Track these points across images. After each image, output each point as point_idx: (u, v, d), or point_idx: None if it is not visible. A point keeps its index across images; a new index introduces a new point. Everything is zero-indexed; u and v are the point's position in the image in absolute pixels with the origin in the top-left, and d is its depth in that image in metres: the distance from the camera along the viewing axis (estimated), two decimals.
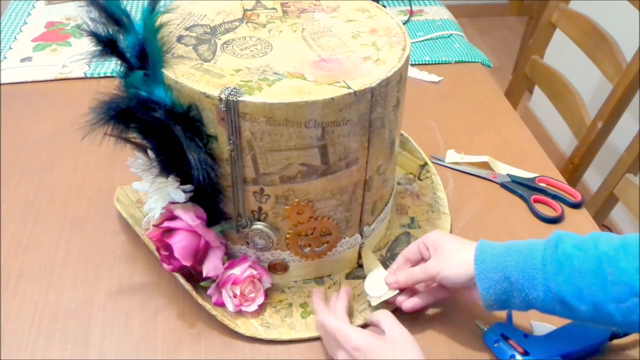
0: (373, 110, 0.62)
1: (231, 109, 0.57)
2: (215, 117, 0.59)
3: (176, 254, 0.65)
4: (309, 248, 0.69)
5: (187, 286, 0.68)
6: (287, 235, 0.68)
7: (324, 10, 0.73)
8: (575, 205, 0.87)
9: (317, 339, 0.67)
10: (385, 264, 0.75)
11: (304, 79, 0.61)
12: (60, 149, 0.93)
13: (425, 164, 0.90)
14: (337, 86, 0.59)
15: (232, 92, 0.57)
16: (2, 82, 1.06)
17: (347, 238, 0.71)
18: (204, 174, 0.61)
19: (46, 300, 0.71)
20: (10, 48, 1.15)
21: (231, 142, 0.60)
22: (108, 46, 0.60)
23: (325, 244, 0.70)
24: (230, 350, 0.67)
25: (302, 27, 0.70)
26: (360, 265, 0.75)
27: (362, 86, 0.59)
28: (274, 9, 0.74)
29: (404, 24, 1.28)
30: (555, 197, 0.88)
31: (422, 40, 1.25)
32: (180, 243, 0.65)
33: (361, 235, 0.72)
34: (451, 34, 1.27)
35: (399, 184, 0.87)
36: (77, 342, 0.66)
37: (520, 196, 0.88)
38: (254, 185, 0.63)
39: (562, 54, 1.50)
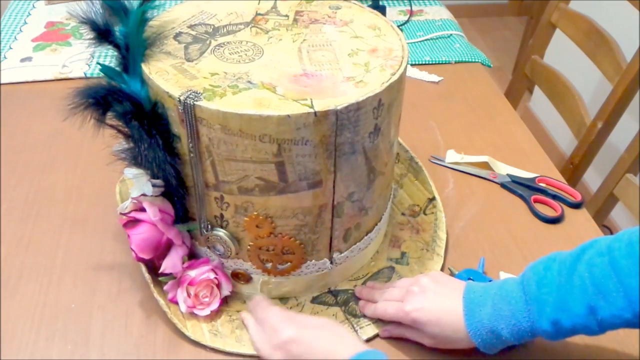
0: (339, 134, 0.59)
1: (188, 112, 0.57)
2: (177, 118, 0.59)
3: (132, 245, 0.66)
4: (270, 263, 0.68)
5: (148, 278, 0.68)
6: (248, 247, 0.66)
7: (335, 23, 0.71)
8: (575, 205, 0.87)
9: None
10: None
11: (273, 91, 0.59)
12: (60, 149, 0.93)
13: (434, 198, 0.85)
14: (301, 103, 0.57)
15: (190, 96, 0.57)
16: (2, 82, 1.06)
17: (313, 261, 0.69)
18: (162, 172, 0.62)
19: (46, 300, 0.71)
20: (10, 48, 1.15)
21: (191, 145, 0.59)
22: (103, 35, 0.61)
23: (289, 263, 0.68)
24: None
25: (304, 38, 0.68)
26: (329, 291, 0.73)
27: (325, 107, 0.56)
28: (286, 16, 0.72)
29: (404, 24, 1.29)
30: (555, 197, 0.88)
31: (422, 40, 1.25)
32: (140, 235, 0.65)
33: (331, 261, 0.70)
34: (451, 34, 1.27)
35: (403, 214, 0.84)
36: (77, 342, 0.66)
37: (520, 196, 0.88)
38: (215, 191, 0.62)
39: (562, 54, 1.50)
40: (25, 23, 1.24)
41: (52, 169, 0.89)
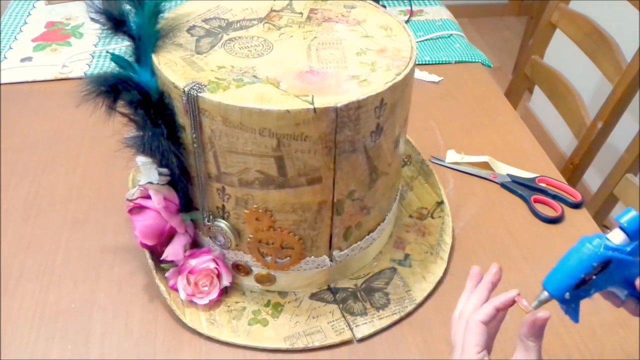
0: (339, 132, 0.59)
1: (192, 104, 0.58)
2: (182, 109, 0.60)
3: (137, 231, 0.67)
4: (270, 257, 0.68)
5: (150, 264, 0.70)
6: (249, 240, 0.67)
7: (347, 22, 0.71)
8: (576, 205, 0.87)
9: (255, 349, 0.66)
10: (356, 294, 0.72)
11: (276, 87, 0.59)
12: (60, 149, 0.93)
13: (442, 202, 0.85)
14: (302, 99, 0.57)
15: (194, 88, 0.58)
16: (2, 82, 1.06)
17: (313, 257, 0.69)
18: (166, 162, 0.63)
19: (46, 300, 0.71)
20: (11, 48, 1.15)
21: (194, 135, 0.60)
22: (117, 25, 0.62)
23: (288, 258, 0.68)
24: (230, 350, 0.67)
25: (314, 36, 0.68)
26: (329, 289, 0.73)
27: (325, 104, 0.56)
28: (300, 13, 0.72)
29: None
30: (555, 197, 0.88)
31: (422, 40, 1.24)
32: (144, 222, 0.67)
33: (330, 258, 0.70)
34: (451, 34, 1.27)
35: (410, 216, 0.84)
36: (77, 342, 0.66)
37: (520, 196, 0.88)
38: (216, 182, 0.63)
39: (562, 54, 1.50)
40: (25, 23, 1.24)
41: (52, 169, 0.89)
